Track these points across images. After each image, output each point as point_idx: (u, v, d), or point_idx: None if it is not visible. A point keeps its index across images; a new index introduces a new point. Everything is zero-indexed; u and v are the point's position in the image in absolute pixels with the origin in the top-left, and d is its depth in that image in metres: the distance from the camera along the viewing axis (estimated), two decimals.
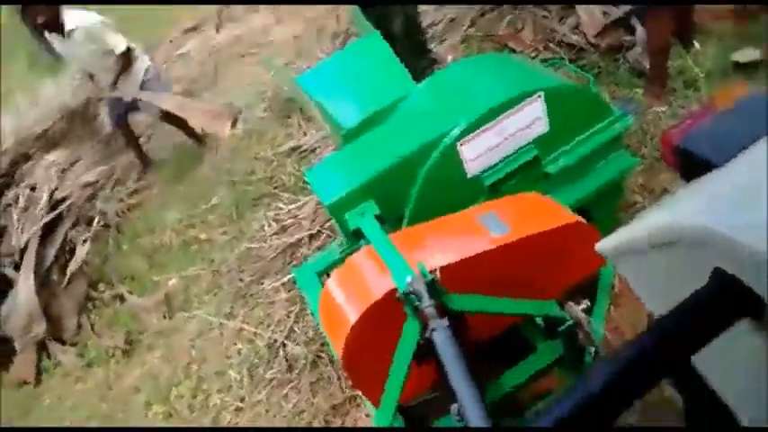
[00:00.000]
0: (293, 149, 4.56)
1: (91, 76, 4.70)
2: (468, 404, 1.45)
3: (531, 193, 2.13)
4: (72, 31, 4.24)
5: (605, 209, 2.40)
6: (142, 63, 4.56)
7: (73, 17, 4.26)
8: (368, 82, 2.62)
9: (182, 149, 5.21)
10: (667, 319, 0.86)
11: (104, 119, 5.11)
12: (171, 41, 6.88)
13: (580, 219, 1.92)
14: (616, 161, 2.33)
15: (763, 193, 0.78)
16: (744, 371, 0.97)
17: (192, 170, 4.98)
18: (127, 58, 4.40)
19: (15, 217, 4.60)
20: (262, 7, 6.65)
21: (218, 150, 5.01)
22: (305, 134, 4.62)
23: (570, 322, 1.78)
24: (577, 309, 1.80)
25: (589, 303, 1.87)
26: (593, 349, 1.79)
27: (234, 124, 4.61)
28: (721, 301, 0.86)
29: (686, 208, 0.89)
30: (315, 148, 4.42)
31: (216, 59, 6.30)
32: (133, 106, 4.65)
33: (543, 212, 1.99)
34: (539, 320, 1.91)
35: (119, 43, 4.34)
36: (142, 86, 4.51)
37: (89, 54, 4.37)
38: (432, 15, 4.67)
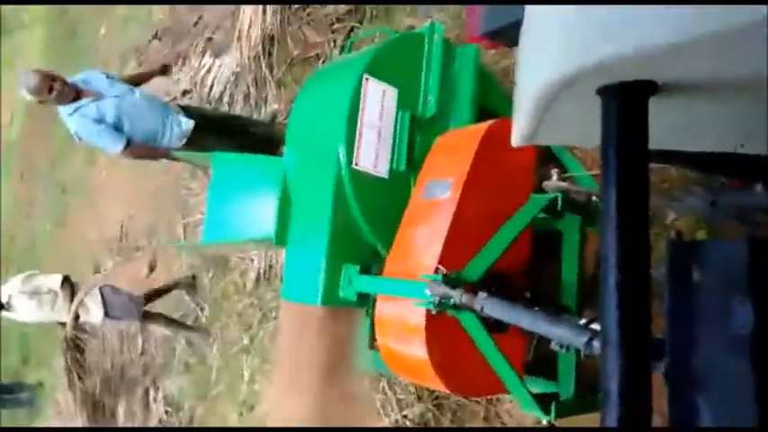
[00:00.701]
0: (257, 279, 4.54)
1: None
2: (554, 333, 1.48)
3: (437, 141, 2.16)
4: (9, 300, 4.21)
5: (495, 97, 2.45)
6: (86, 286, 4.50)
7: (1, 291, 4.24)
8: (250, 190, 2.62)
9: (187, 370, 5.13)
10: (604, 142, 0.90)
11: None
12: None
13: (488, 122, 1.96)
14: (463, 60, 2.36)
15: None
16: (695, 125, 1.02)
17: (205, 365, 4.91)
18: (69, 284, 4.34)
19: None
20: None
21: (211, 328, 4.94)
22: (252, 261, 4.60)
23: (559, 195, 1.82)
24: (554, 181, 1.83)
25: (558, 168, 1.89)
26: (594, 197, 1.83)
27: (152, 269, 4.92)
28: (625, 104, 0.90)
29: (534, 70, 0.92)
30: (270, 265, 4.40)
31: (141, 274, 6.23)
32: (114, 316, 4.48)
33: (460, 145, 2.01)
34: (542, 215, 1.93)
35: (54, 280, 4.30)
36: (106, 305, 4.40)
37: (39, 308, 4.29)
38: (240, 92, 4.71)
